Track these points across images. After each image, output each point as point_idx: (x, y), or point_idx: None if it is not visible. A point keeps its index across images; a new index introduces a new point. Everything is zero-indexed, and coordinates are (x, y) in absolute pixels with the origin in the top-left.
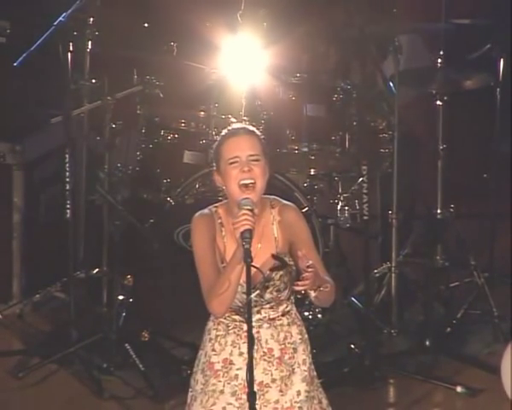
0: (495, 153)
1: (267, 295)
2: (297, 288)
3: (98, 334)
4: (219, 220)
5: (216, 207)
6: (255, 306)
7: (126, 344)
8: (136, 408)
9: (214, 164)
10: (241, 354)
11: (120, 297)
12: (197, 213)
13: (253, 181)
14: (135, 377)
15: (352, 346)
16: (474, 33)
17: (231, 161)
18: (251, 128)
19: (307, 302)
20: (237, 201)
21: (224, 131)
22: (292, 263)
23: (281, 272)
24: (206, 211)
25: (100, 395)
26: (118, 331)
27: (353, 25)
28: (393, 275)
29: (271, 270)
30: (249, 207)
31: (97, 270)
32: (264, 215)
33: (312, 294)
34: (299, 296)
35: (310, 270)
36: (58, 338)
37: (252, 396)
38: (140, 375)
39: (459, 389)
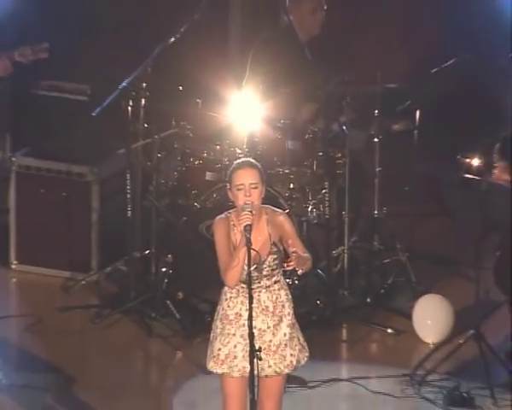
0: (414, 171)
1: (264, 272)
2: (288, 267)
3: (149, 294)
4: (232, 222)
5: (230, 213)
6: (257, 278)
7: (168, 301)
8: (174, 343)
9: (228, 185)
10: (247, 309)
11: (163, 269)
12: (217, 218)
13: (252, 201)
14: (173, 323)
15: (318, 302)
16: (399, 93)
17: (238, 187)
18: (253, 162)
19: (288, 273)
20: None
21: (235, 163)
22: (281, 249)
23: (274, 256)
24: (223, 216)
25: (150, 334)
26: (162, 292)
27: (319, 88)
28: (346, 255)
29: (267, 254)
30: (249, 209)
31: (148, 251)
32: (261, 219)
33: (299, 271)
34: (283, 270)
35: (294, 255)
36: (122, 297)
37: (250, 335)
38: (177, 321)
39: (389, 330)
